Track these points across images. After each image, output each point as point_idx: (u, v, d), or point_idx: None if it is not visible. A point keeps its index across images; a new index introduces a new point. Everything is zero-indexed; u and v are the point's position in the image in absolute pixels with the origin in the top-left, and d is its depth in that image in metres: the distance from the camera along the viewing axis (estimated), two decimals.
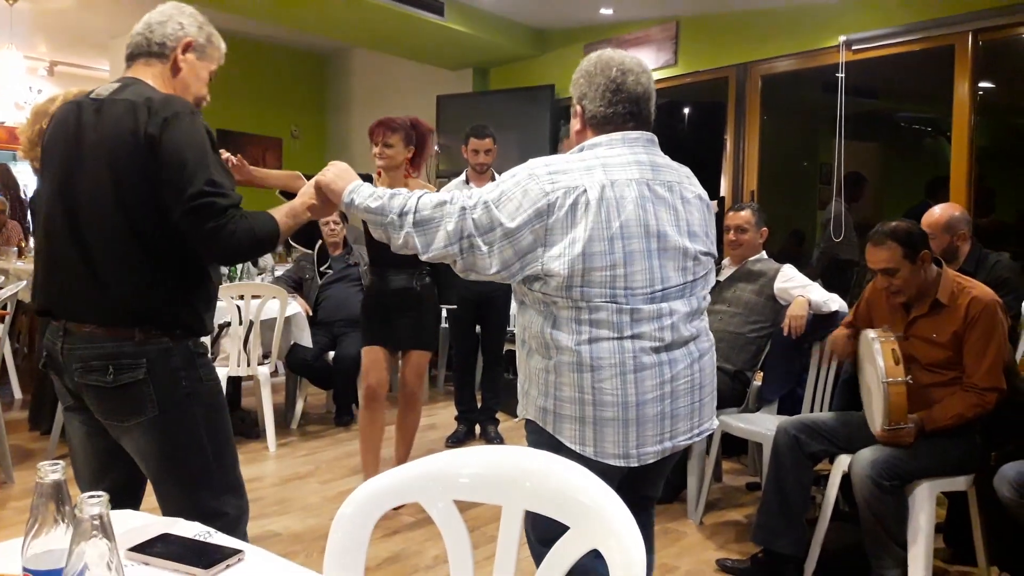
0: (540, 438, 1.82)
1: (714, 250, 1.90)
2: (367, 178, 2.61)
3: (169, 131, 1.68)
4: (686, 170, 1.93)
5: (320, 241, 5.15)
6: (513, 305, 5.17)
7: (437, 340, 3.69)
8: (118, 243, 1.71)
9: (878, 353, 2.56)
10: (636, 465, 1.77)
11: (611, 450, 1.74)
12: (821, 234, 5.62)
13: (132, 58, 1.91)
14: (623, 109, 1.83)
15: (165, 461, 1.77)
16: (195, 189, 1.66)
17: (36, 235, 1.86)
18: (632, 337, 1.73)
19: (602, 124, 1.84)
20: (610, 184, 1.73)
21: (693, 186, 1.90)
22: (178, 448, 1.78)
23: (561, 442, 1.76)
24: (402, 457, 3.58)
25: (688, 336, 1.80)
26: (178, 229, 1.69)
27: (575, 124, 1.91)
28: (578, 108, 1.89)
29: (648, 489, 2.00)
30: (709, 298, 1.93)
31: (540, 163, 1.77)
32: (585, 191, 1.71)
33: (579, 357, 1.72)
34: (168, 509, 1.77)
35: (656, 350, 1.75)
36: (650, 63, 5.95)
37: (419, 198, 1.77)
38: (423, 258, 1.77)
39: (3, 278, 5.02)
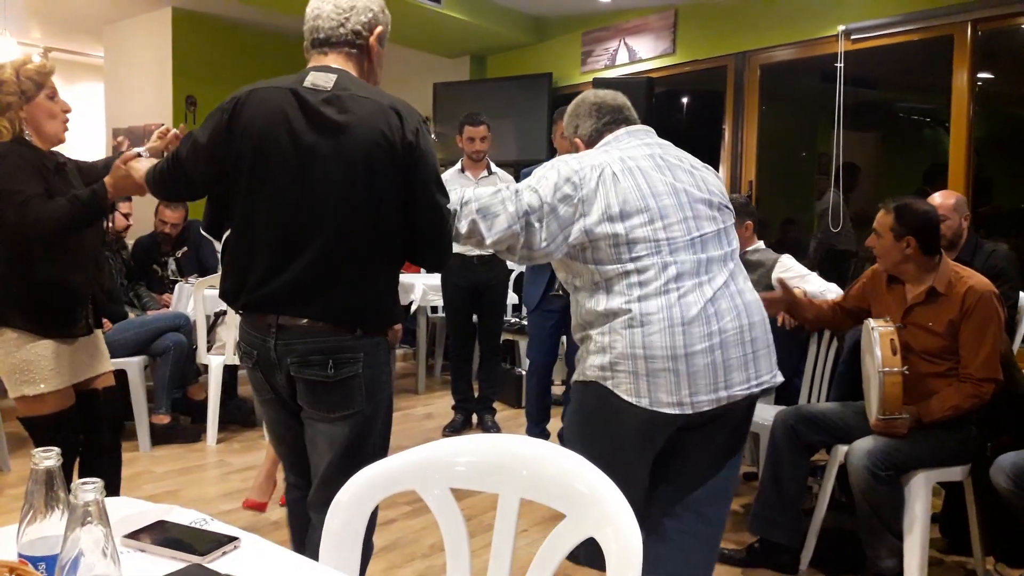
0: (594, 397, 1.91)
1: (731, 206, 2.08)
2: None
3: (424, 140, 1.78)
4: (686, 153, 2.11)
5: None
6: (512, 296, 5.18)
7: None
8: (358, 242, 1.75)
9: (876, 343, 2.56)
10: (691, 412, 1.85)
11: (665, 399, 1.84)
12: (818, 224, 5.62)
13: (327, 44, 1.85)
14: (610, 118, 2.10)
15: (355, 450, 1.81)
16: (445, 199, 1.83)
17: (251, 226, 1.78)
18: (678, 290, 1.85)
19: (599, 137, 2.10)
20: (628, 158, 1.95)
21: (694, 160, 2.09)
22: (367, 437, 1.85)
23: (618, 396, 1.86)
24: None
25: (729, 283, 1.91)
26: (415, 235, 1.82)
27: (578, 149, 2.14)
28: (577, 141, 2.14)
29: (724, 441, 2.03)
30: (738, 246, 2.05)
31: (566, 155, 2.01)
32: (608, 165, 1.92)
33: (630, 316, 1.85)
34: (329, 497, 1.61)
35: (702, 302, 1.86)
36: (648, 51, 5.95)
37: (474, 189, 1.94)
38: (488, 242, 1.90)
39: None
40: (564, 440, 2.19)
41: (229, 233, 1.85)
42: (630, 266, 1.86)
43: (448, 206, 1.86)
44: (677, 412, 1.85)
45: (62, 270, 2.31)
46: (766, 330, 1.97)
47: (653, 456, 1.95)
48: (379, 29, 1.90)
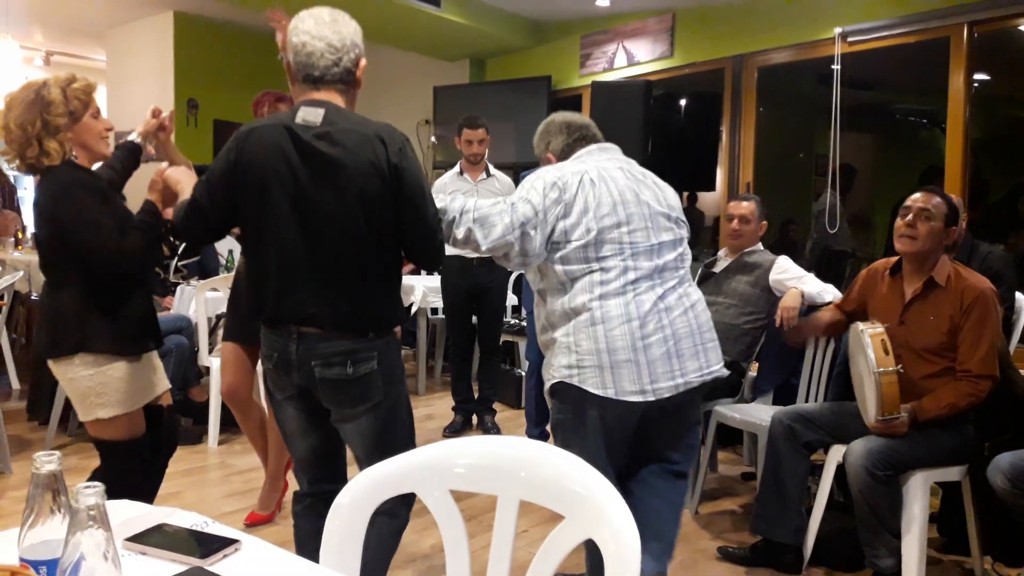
0: (565, 397, 2.14)
1: (686, 220, 2.33)
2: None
3: (406, 158, 1.90)
4: (633, 162, 2.35)
5: None
6: (511, 297, 5.18)
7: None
8: (363, 260, 1.91)
9: (868, 345, 2.57)
10: (653, 400, 2.09)
11: (629, 387, 2.07)
12: (815, 225, 5.63)
13: (320, 82, 1.93)
14: (580, 135, 2.34)
15: (381, 438, 1.99)
16: (433, 210, 1.97)
17: (261, 252, 1.95)
18: (635, 290, 2.09)
19: (570, 151, 2.33)
20: (603, 168, 2.20)
21: (656, 178, 2.34)
22: (393, 425, 2.02)
23: (586, 391, 2.08)
24: (279, 467, 3.23)
25: (677, 286, 2.18)
26: (407, 244, 1.96)
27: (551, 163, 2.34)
28: (549, 156, 2.37)
29: (670, 445, 2.27)
30: (690, 257, 2.28)
31: (547, 166, 2.27)
32: (586, 172, 2.16)
33: (592, 314, 2.08)
34: None
35: (653, 299, 2.11)
36: (646, 55, 5.96)
37: (475, 200, 2.15)
38: (483, 248, 2.10)
39: (0, 268, 5.01)
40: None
41: (243, 258, 1.99)
42: (595, 266, 2.10)
43: (438, 212, 2.02)
44: (640, 399, 2.08)
45: (132, 287, 2.32)
46: (711, 327, 2.25)
47: (627, 442, 2.18)
48: (363, 62, 1.99)
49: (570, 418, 2.14)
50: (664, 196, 2.26)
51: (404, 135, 1.94)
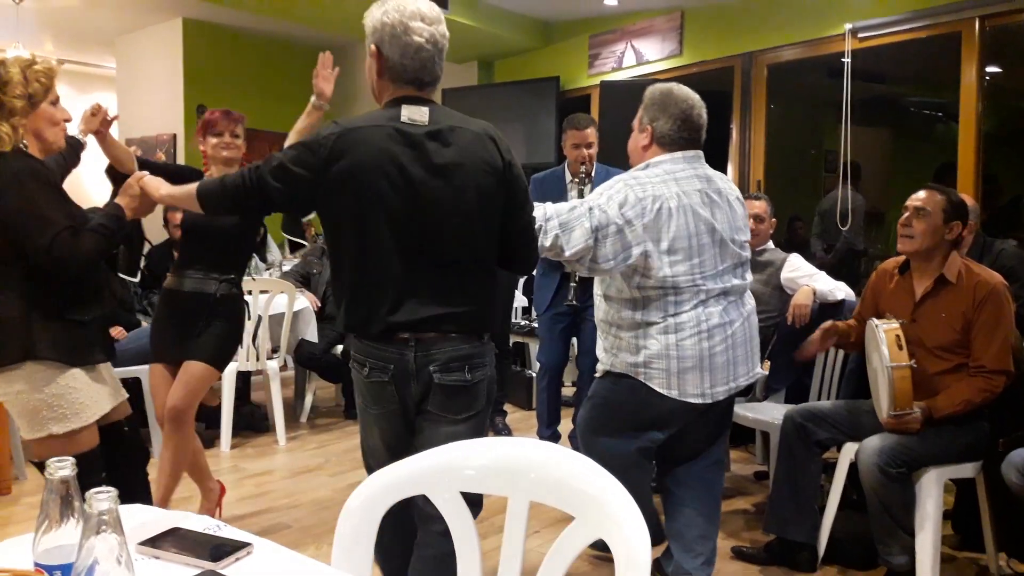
0: (621, 385, 2.37)
1: (749, 237, 2.48)
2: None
3: (515, 158, 1.91)
4: (726, 177, 2.45)
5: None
6: (522, 299, 5.17)
7: (226, 360, 2.92)
8: (478, 260, 1.89)
9: (882, 340, 2.56)
10: (711, 402, 2.34)
11: (692, 391, 2.31)
12: (816, 223, 5.57)
13: (428, 86, 1.89)
14: (688, 136, 2.37)
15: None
16: (532, 210, 2.01)
17: (369, 259, 1.83)
18: (704, 305, 2.30)
19: (669, 144, 2.37)
20: (683, 194, 2.28)
21: (732, 189, 2.44)
22: (482, 432, 1.97)
23: (650, 388, 2.31)
24: (160, 497, 2.68)
25: (739, 299, 2.38)
26: (511, 246, 1.96)
27: (642, 139, 2.41)
28: (649, 128, 2.39)
29: (711, 440, 2.53)
30: (749, 270, 2.46)
31: (629, 176, 2.33)
32: (667, 200, 2.26)
33: (666, 325, 2.29)
34: None
35: (719, 313, 2.31)
36: (655, 53, 5.95)
37: (550, 205, 2.23)
38: (566, 255, 2.19)
39: None
40: (581, 428, 2.49)
41: (340, 270, 1.89)
42: (670, 292, 2.28)
43: (533, 216, 2.05)
44: (699, 401, 2.32)
45: (86, 291, 2.15)
46: (757, 329, 2.47)
47: (668, 436, 2.41)
48: None
49: (620, 399, 2.38)
50: (734, 218, 2.38)
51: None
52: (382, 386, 1.88)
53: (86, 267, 2.05)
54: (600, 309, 2.46)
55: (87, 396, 2.11)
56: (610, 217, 2.20)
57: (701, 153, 2.41)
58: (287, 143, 2.69)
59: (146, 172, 2.18)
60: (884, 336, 2.57)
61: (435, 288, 1.84)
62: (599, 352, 2.47)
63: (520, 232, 1.96)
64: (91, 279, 2.15)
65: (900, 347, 2.54)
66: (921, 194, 2.69)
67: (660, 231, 2.24)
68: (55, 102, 2.14)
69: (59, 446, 2.05)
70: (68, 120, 2.21)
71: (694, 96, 2.40)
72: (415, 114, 1.83)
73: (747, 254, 2.43)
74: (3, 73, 2.01)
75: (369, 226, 1.81)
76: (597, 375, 2.49)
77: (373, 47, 1.87)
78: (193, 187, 1.97)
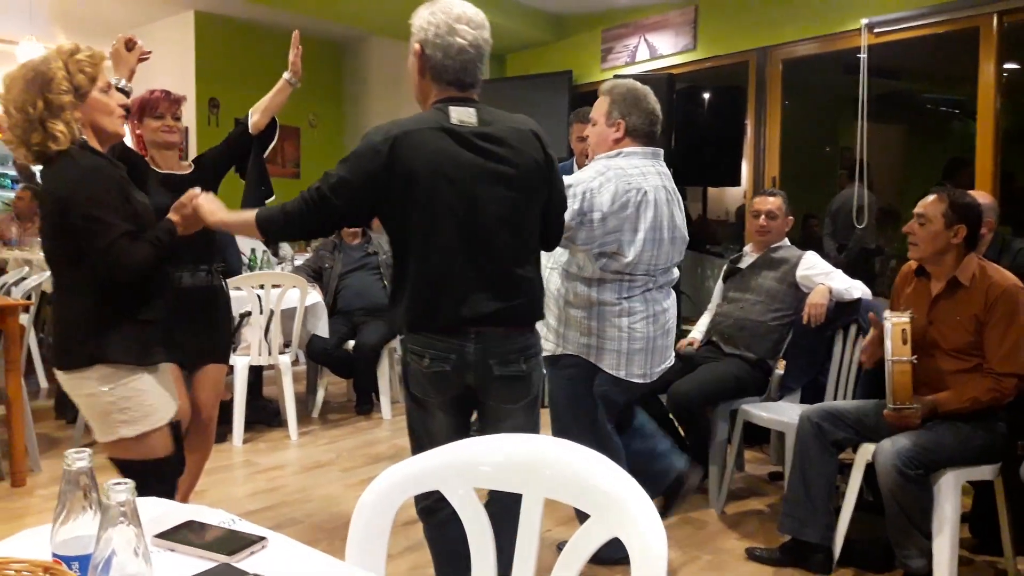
0: (578, 367, 2.56)
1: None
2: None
3: (552, 150, 2.01)
4: (669, 172, 2.67)
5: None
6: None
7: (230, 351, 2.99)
8: (531, 253, 2.01)
9: (888, 333, 2.56)
10: (649, 382, 2.62)
11: (637, 372, 2.57)
12: (827, 223, 5.53)
13: (470, 87, 1.95)
14: (655, 131, 2.60)
15: (532, 430, 2.07)
16: (566, 202, 2.18)
17: (432, 257, 1.89)
18: (651, 294, 2.56)
19: (642, 138, 2.57)
20: (654, 188, 2.50)
21: (675, 186, 2.67)
22: (536, 414, 2.10)
23: (600, 368, 2.54)
24: (181, 496, 2.58)
25: (670, 289, 2.67)
26: (550, 234, 2.10)
27: (613, 133, 2.58)
28: (621, 121, 2.56)
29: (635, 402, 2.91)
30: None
31: (615, 165, 2.49)
32: (646, 192, 2.47)
33: (620, 308, 2.51)
34: None
35: (662, 302, 2.60)
36: (668, 48, 5.91)
37: None
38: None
39: (27, 268, 5.07)
40: (564, 435, 2.42)
41: (403, 268, 1.94)
42: (626, 276, 2.50)
43: None
44: (641, 381, 2.59)
45: (152, 290, 2.11)
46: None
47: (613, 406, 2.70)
48: None
49: (576, 384, 2.59)
50: (682, 217, 2.64)
51: None
52: (443, 375, 1.95)
53: (136, 275, 2.01)
54: (553, 284, 2.59)
55: (156, 398, 2.08)
56: (595, 204, 2.40)
57: (661, 151, 2.63)
58: (254, 116, 2.83)
59: (198, 190, 2.11)
60: (890, 328, 2.57)
61: (493, 283, 1.91)
62: (543, 329, 2.54)
63: (558, 221, 2.11)
64: (156, 277, 2.12)
65: (904, 342, 2.54)
66: (925, 200, 2.69)
67: (637, 221, 2.44)
68: (106, 89, 2.07)
69: (131, 450, 2.03)
70: (125, 106, 2.15)
71: (653, 97, 2.61)
72: (463, 115, 1.89)
73: (683, 249, 2.69)
74: (46, 71, 1.95)
75: (432, 227, 1.88)
76: (545, 355, 2.49)
77: (417, 46, 1.93)
78: (251, 215, 1.99)
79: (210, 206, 2.09)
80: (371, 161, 1.85)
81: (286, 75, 2.79)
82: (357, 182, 1.87)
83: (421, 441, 2.06)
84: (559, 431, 2.64)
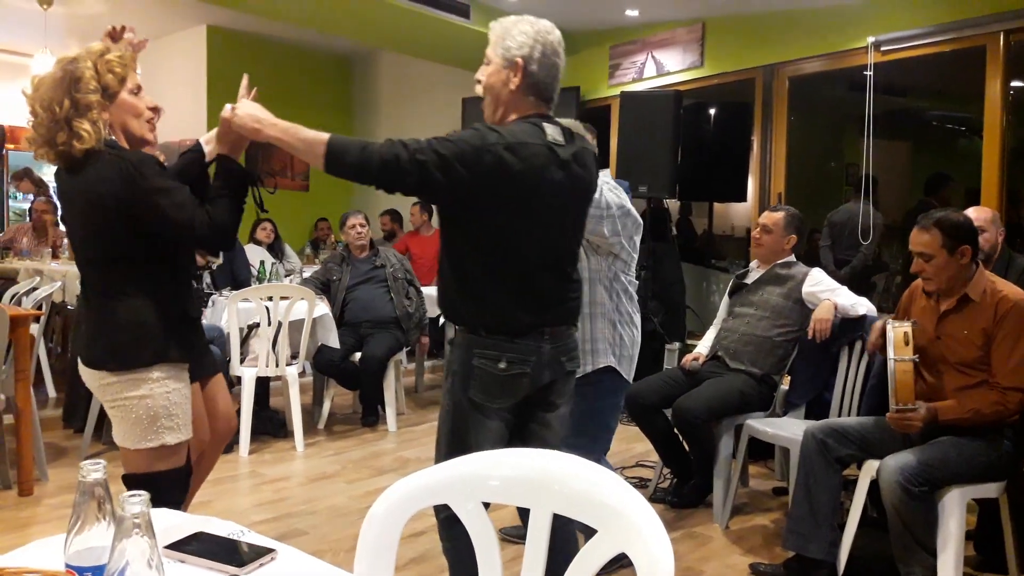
0: (611, 378, 2.65)
1: None
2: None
3: None
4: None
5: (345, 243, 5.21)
6: None
7: None
8: (576, 265, 2.14)
9: (890, 340, 2.58)
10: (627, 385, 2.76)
11: (628, 373, 2.71)
12: (825, 233, 5.52)
13: (552, 102, 2.04)
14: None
15: (572, 419, 2.24)
16: None
17: (522, 260, 1.97)
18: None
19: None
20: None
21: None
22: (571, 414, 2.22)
23: (621, 375, 2.66)
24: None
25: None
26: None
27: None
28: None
29: None
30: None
31: (613, 181, 2.69)
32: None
33: (631, 315, 2.69)
34: None
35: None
36: (676, 64, 5.95)
37: None
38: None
39: (38, 279, 5.11)
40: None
41: (479, 266, 1.96)
42: (624, 278, 2.67)
43: None
44: (630, 381, 2.73)
45: (184, 291, 2.06)
46: None
47: None
48: None
49: (614, 396, 2.71)
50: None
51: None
52: (519, 378, 2.00)
53: (232, 234, 1.95)
54: (601, 302, 2.69)
55: (193, 404, 2.04)
56: (623, 200, 2.58)
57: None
58: (207, 145, 2.24)
59: (230, 107, 1.93)
60: (892, 334, 2.59)
61: (561, 286, 2.05)
62: (600, 343, 2.65)
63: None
64: (187, 269, 2.10)
65: (906, 343, 2.56)
66: (918, 237, 2.67)
67: (621, 226, 2.59)
68: (136, 92, 2.03)
69: (162, 457, 1.97)
70: (156, 109, 2.08)
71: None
72: (554, 134, 1.97)
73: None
74: (74, 70, 1.91)
75: (521, 234, 1.95)
76: (596, 369, 2.63)
77: (520, 61, 1.96)
78: (321, 134, 1.84)
79: (252, 113, 1.91)
80: (478, 156, 1.85)
81: (231, 107, 2.55)
82: (459, 168, 1.84)
83: (460, 448, 1.99)
84: (589, 445, 2.57)
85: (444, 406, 2.06)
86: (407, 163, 1.84)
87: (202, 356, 2.25)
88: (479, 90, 2.04)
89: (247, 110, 1.92)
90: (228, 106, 1.94)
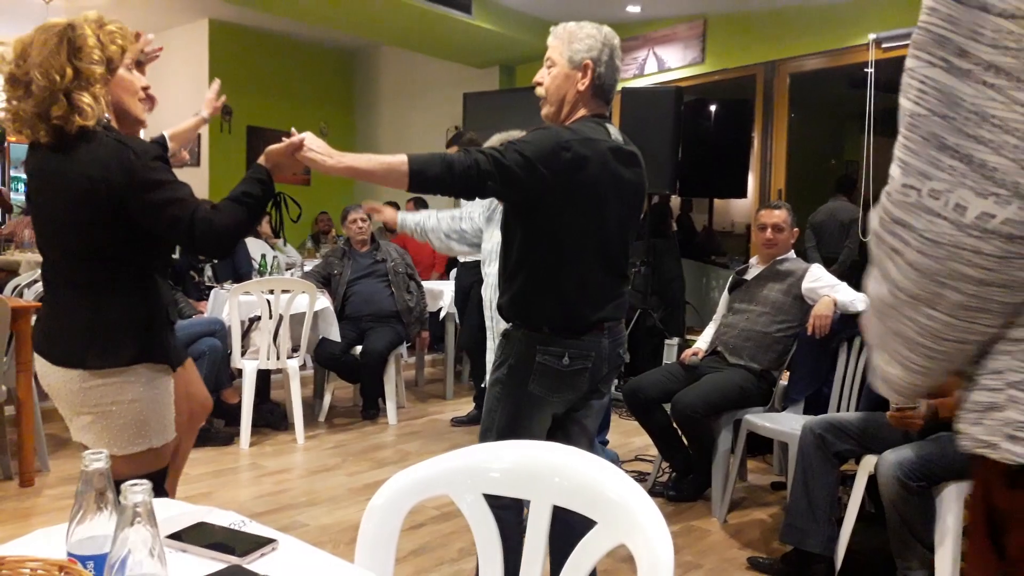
0: None
1: None
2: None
3: None
4: None
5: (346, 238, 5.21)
6: None
7: None
8: (628, 262, 2.19)
9: None
10: None
11: None
12: (808, 235, 5.52)
13: (611, 103, 2.15)
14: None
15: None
16: None
17: (587, 259, 2.04)
18: None
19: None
20: None
21: None
22: None
23: None
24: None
25: None
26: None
27: None
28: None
29: None
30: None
31: None
32: None
33: None
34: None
35: None
36: (677, 61, 5.95)
37: None
38: None
39: (40, 271, 5.11)
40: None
41: (543, 264, 2.02)
42: None
43: None
44: None
45: (167, 291, 1.98)
46: None
47: None
48: None
49: None
50: None
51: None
52: (581, 372, 2.08)
53: (233, 242, 1.81)
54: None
55: (175, 404, 1.95)
56: None
57: None
58: (172, 143, 2.51)
59: (298, 135, 1.87)
60: None
61: (616, 284, 2.12)
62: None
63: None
64: (227, 256, 2.02)
65: None
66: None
67: None
68: (131, 68, 1.87)
69: (149, 461, 1.85)
70: (147, 88, 1.93)
71: None
72: (616, 135, 2.05)
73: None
74: (76, 37, 1.72)
75: (588, 234, 2.02)
76: None
77: (590, 63, 2.04)
78: (399, 158, 1.84)
79: (319, 146, 1.88)
80: (556, 156, 1.92)
81: (204, 113, 2.56)
82: (540, 169, 1.91)
83: (515, 437, 2.00)
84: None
85: (495, 394, 2.11)
86: (489, 168, 1.90)
87: (179, 351, 2.12)
88: (540, 92, 2.12)
89: (317, 145, 1.89)
90: (295, 133, 1.89)
